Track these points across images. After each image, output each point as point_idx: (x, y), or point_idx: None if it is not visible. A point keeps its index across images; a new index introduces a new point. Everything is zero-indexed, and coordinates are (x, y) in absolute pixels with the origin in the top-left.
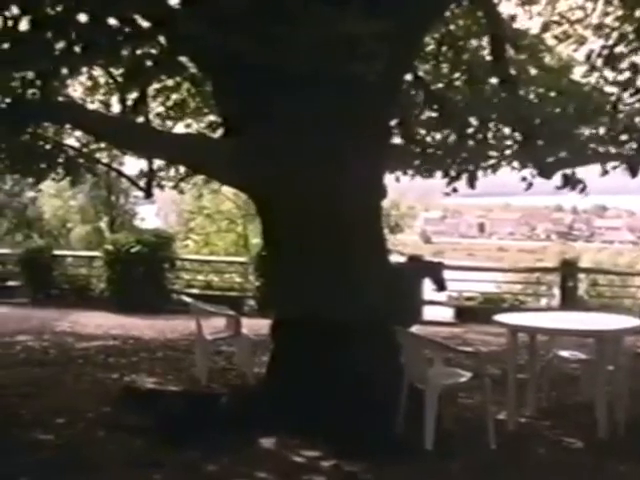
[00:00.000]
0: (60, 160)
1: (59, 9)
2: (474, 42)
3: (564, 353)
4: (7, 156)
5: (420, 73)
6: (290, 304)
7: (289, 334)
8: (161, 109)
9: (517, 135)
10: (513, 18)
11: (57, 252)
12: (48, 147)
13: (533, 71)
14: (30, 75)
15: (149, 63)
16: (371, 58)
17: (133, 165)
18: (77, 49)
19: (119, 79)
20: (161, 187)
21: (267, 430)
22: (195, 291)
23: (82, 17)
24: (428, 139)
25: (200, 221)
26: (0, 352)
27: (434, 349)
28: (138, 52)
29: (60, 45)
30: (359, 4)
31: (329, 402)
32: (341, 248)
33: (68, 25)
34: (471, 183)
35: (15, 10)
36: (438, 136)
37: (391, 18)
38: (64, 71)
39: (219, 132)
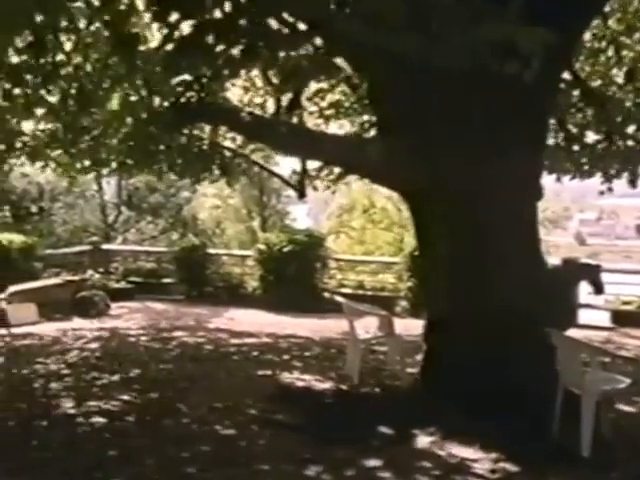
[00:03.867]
0: (216, 161)
1: (219, 14)
2: (635, 37)
3: None
4: (165, 157)
5: (577, 71)
6: (444, 305)
7: (443, 335)
8: (315, 109)
9: None
10: None
11: (211, 251)
12: (204, 148)
13: None
14: (188, 78)
15: (305, 65)
16: (527, 58)
17: (286, 166)
18: (236, 52)
19: (275, 81)
20: (315, 189)
21: (421, 430)
22: (347, 290)
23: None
24: (587, 139)
25: (356, 216)
26: (157, 347)
27: (591, 353)
28: (294, 54)
29: (220, 48)
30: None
31: (484, 404)
32: (496, 249)
33: (229, 30)
34: (632, 182)
35: (176, 15)
36: (596, 135)
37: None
38: (223, 74)
39: (371, 132)
